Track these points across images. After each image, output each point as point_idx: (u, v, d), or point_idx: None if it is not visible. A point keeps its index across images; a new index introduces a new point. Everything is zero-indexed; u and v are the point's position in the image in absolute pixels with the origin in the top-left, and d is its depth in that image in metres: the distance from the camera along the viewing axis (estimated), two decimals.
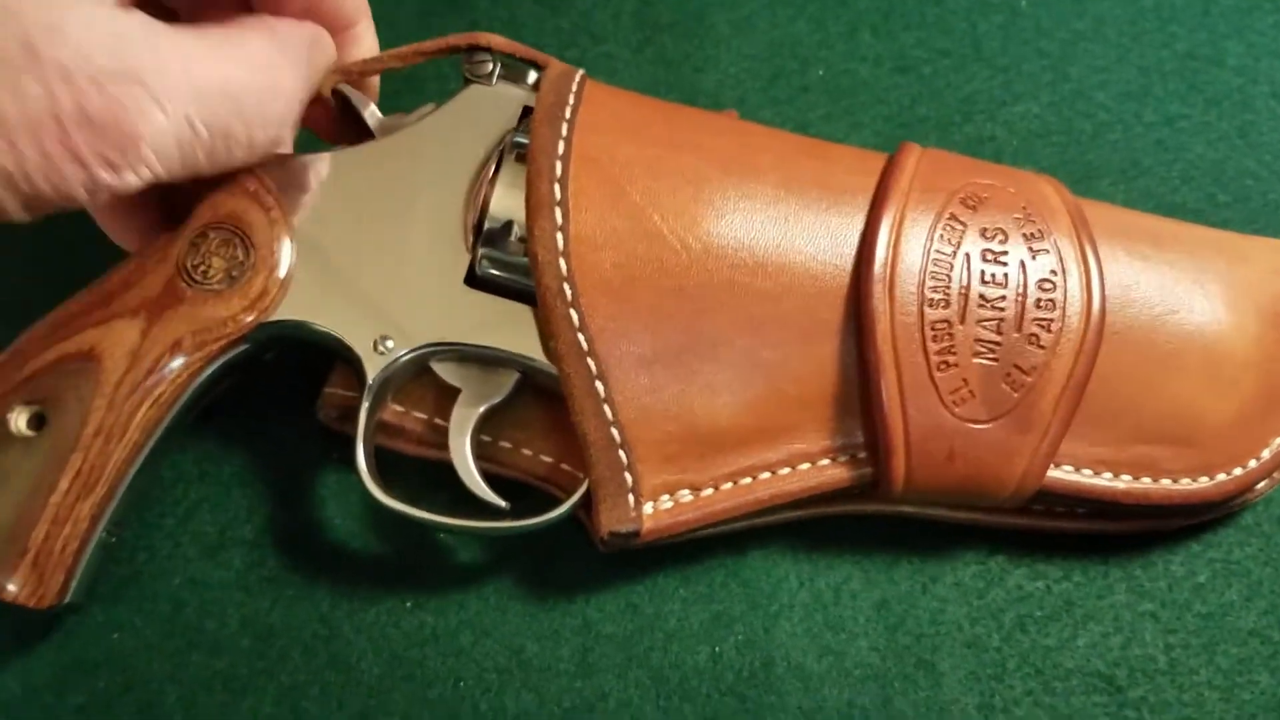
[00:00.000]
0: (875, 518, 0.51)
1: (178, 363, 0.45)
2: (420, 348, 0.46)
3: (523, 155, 0.46)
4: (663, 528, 0.45)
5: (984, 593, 0.51)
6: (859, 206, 0.47)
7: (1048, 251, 0.47)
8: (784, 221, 0.47)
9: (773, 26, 0.63)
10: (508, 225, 0.46)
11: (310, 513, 0.52)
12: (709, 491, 0.46)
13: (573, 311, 0.45)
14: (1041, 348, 0.46)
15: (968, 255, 0.46)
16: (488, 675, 0.50)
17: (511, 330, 0.46)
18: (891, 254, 0.46)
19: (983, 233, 0.47)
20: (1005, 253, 0.46)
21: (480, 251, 0.46)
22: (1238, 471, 0.48)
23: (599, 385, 0.45)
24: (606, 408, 0.45)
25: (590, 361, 0.45)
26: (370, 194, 0.47)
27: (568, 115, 0.47)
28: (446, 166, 0.47)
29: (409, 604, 0.51)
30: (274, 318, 0.46)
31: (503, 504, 0.47)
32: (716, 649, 0.51)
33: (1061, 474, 0.47)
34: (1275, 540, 0.52)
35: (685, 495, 0.46)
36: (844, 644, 0.51)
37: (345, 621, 0.51)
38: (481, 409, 0.48)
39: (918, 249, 0.46)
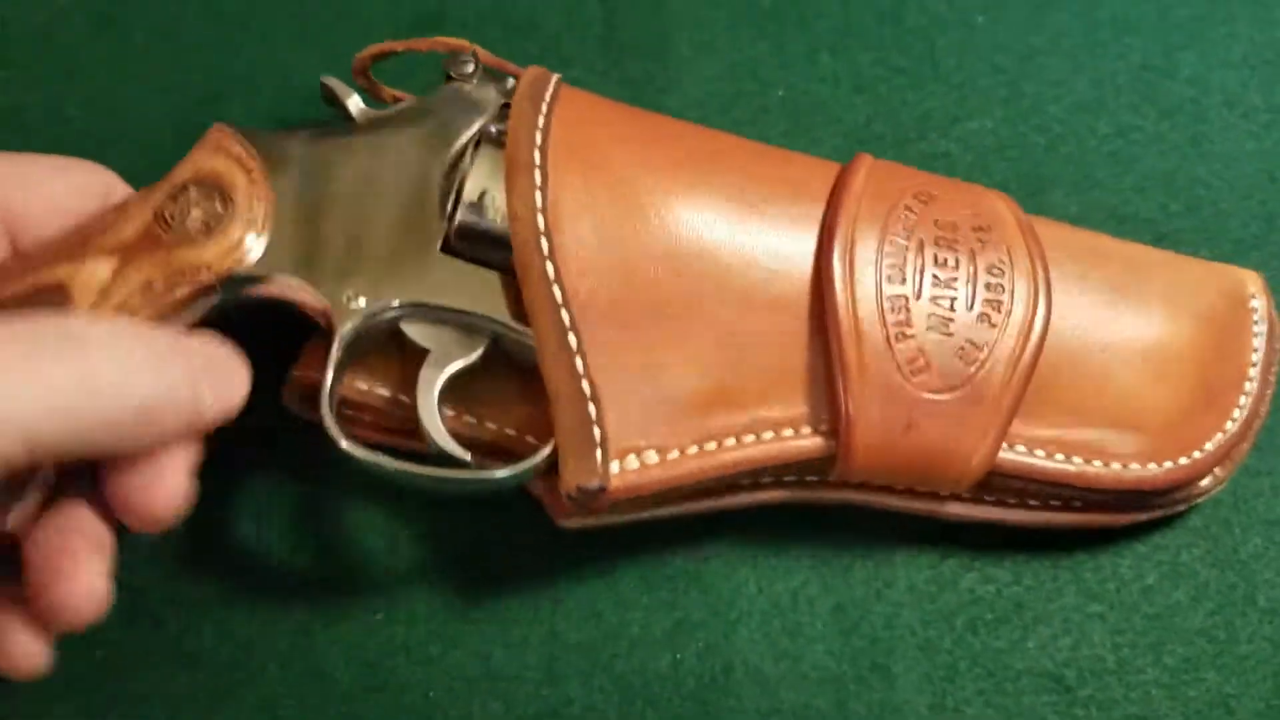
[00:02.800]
0: (833, 520, 0.53)
1: (140, 299, 0.46)
2: (391, 306, 0.48)
3: (501, 141, 0.49)
4: (629, 486, 0.46)
5: (936, 596, 0.53)
6: (819, 198, 0.50)
7: (995, 244, 0.49)
8: (753, 207, 0.49)
9: (734, 49, 0.65)
10: (482, 196, 0.48)
11: (284, 528, 0.54)
12: (675, 454, 0.47)
13: (548, 264, 0.46)
14: (992, 326, 0.48)
15: (921, 240, 0.49)
16: (456, 684, 0.52)
17: (483, 294, 0.48)
18: (849, 236, 0.48)
19: (935, 222, 0.49)
20: (956, 240, 0.49)
21: (456, 221, 0.48)
22: (1184, 461, 0.50)
23: (571, 338, 0.46)
24: (578, 360, 0.46)
25: (564, 314, 0.46)
26: (350, 170, 0.49)
27: (547, 98, 0.49)
28: (425, 148, 0.50)
29: (380, 616, 0.53)
30: (246, 268, 0.47)
31: (467, 456, 0.49)
32: (678, 655, 0.52)
33: (1014, 455, 0.49)
34: (1222, 542, 0.54)
35: (652, 456, 0.47)
36: (801, 648, 0.52)
37: (320, 634, 0.53)
38: (449, 369, 0.49)
39: (873, 232, 0.48)
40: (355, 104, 0.51)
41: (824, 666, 0.52)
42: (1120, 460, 0.49)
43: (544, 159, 0.48)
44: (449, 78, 0.52)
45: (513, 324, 0.48)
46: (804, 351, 0.48)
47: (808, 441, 0.48)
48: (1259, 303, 0.52)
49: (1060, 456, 0.49)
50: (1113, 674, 0.51)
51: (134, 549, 0.52)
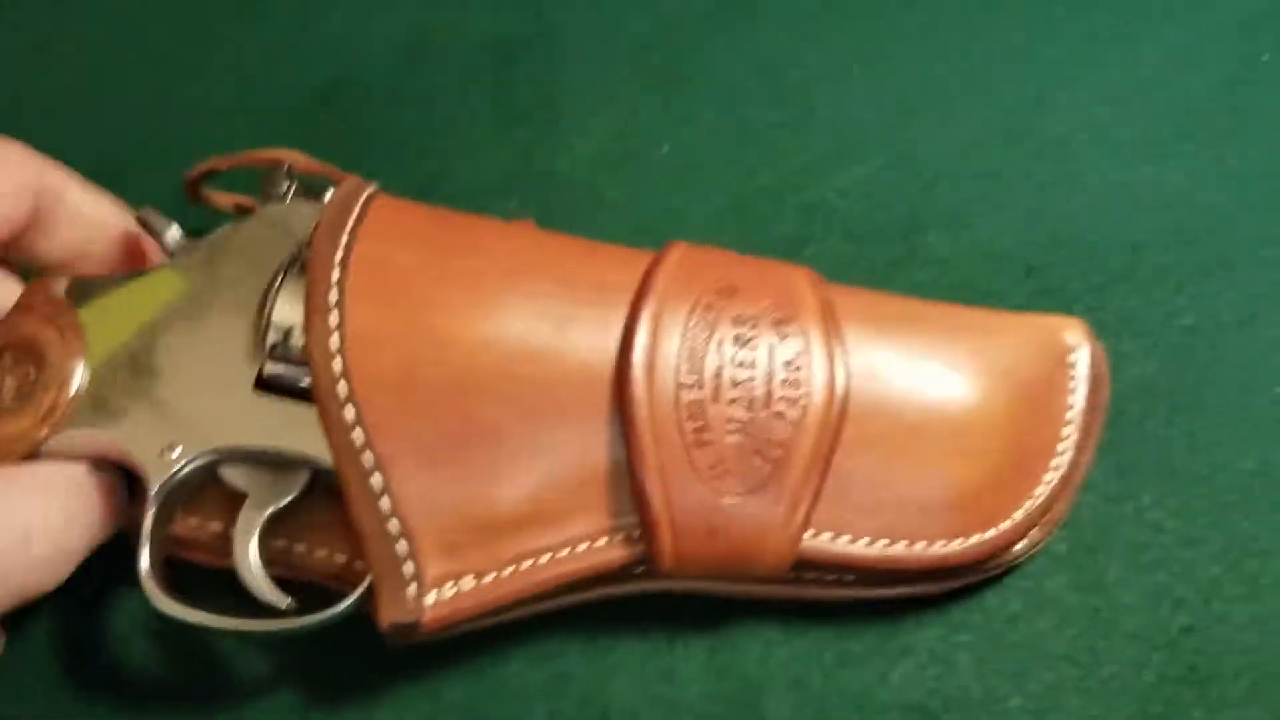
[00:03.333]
0: None
1: None
2: (206, 453, 0.48)
3: (304, 269, 0.49)
4: (444, 616, 0.47)
5: (806, 632, 0.54)
6: (625, 300, 0.50)
7: (794, 335, 0.49)
8: (557, 316, 0.49)
9: (622, 107, 0.67)
10: (289, 331, 0.48)
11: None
12: (490, 578, 0.47)
13: (348, 407, 0.47)
14: (790, 422, 0.48)
15: (720, 341, 0.49)
16: None
17: (298, 431, 0.48)
18: (650, 340, 0.48)
19: (735, 319, 0.49)
20: (754, 338, 0.49)
21: (265, 358, 0.48)
22: (991, 533, 0.50)
23: (376, 478, 0.46)
24: (385, 500, 0.46)
25: (366, 455, 0.47)
26: (165, 310, 0.49)
27: (349, 225, 0.49)
28: (239, 281, 0.49)
29: (270, 679, 0.54)
30: (61, 431, 0.47)
31: (286, 603, 0.49)
32: (556, 705, 0.54)
33: (820, 543, 0.49)
34: (1086, 568, 0.55)
35: (468, 582, 0.47)
36: (677, 692, 0.53)
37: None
38: (268, 511, 0.49)
39: (674, 335, 0.49)
40: (172, 236, 0.51)
41: (699, 710, 0.53)
42: (926, 539, 0.50)
43: (341, 296, 0.48)
44: (264, 200, 0.52)
45: (328, 461, 0.48)
46: (612, 464, 0.48)
47: (618, 551, 0.48)
48: (1078, 355, 0.52)
49: (864, 541, 0.49)
50: (978, 704, 0.53)
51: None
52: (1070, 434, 0.52)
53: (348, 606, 0.48)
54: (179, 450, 0.47)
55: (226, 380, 0.48)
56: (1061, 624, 0.54)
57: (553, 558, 0.48)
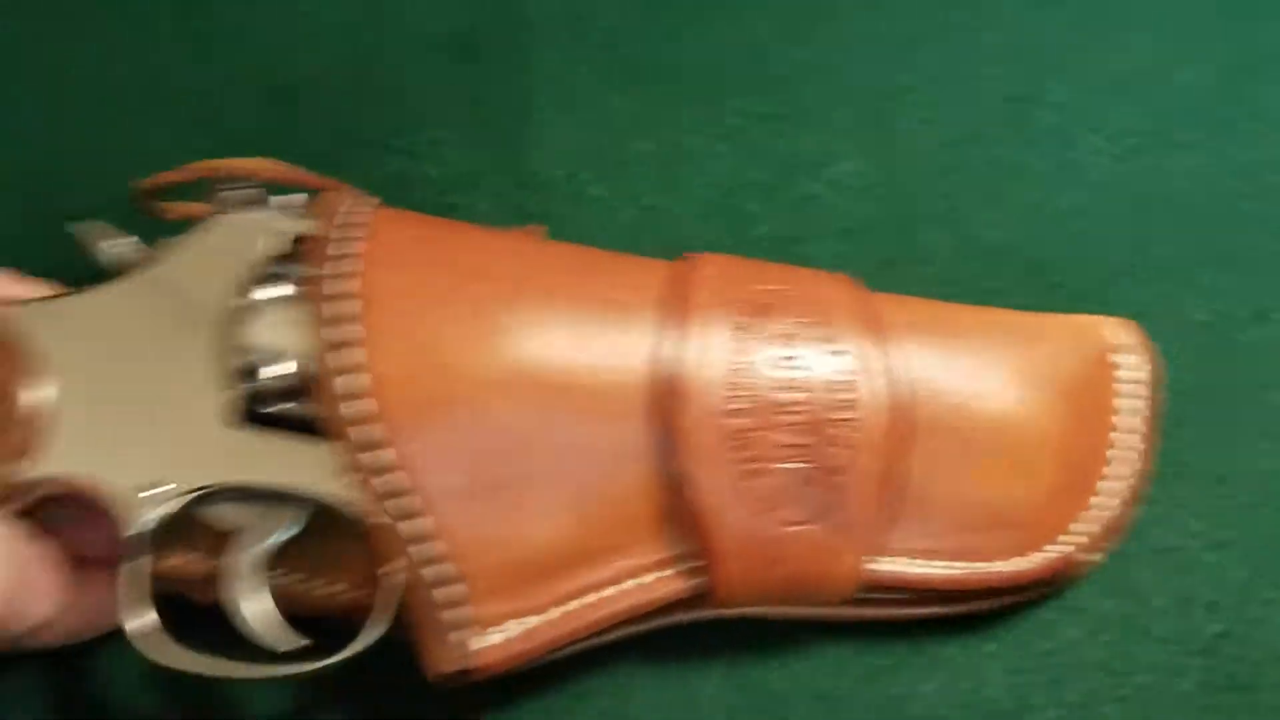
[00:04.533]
0: None
1: None
2: (190, 491, 0.44)
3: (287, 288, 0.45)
4: (494, 663, 0.44)
5: (829, 643, 0.52)
6: (649, 320, 0.47)
7: (840, 353, 0.47)
8: (581, 341, 0.46)
9: (597, 102, 0.64)
10: (277, 357, 0.44)
11: None
12: (538, 620, 0.45)
13: (386, 451, 0.43)
14: (847, 448, 0.46)
15: (762, 363, 0.46)
16: None
17: (293, 464, 0.44)
18: (689, 369, 0.46)
19: (773, 339, 0.47)
20: (796, 356, 0.47)
21: (251, 387, 0.44)
22: (1056, 547, 0.49)
23: (421, 523, 0.43)
24: (432, 545, 0.44)
25: (408, 499, 0.43)
26: (119, 336, 0.45)
27: (356, 252, 0.45)
28: (196, 302, 0.45)
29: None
30: (23, 475, 0.43)
31: (281, 648, 0.45)
32: None
33: (888, 566, 0.47)
34: (1115, 574, 0.53)
35: (514, 627, 0.45)
36: (697, 706, 0.51)
37: None
38: (261, 548, 0.45)
39: (714, 362, 0.46)
40: (106, 250, 0.47)
41: None
42: (995, 558, 0.48)
43: (359, 332, 0.44)
44: (215, 210, 0.47)
45: (334, 494, 0.44)
46: (659, 495, 0.46)
47: (674, 585, 0.46)
48: (1124, 357, 0.51)
49: (936, 564, 0.48)
50: (1012, 715, 0.50)
51: None
52: (1133, 441, 0.50)
53: (358, 650, 0.44)
54: (154, 489, 0.43)
55: (200, 410, 0.44)
56: (1094, 631, 0.52)
57: (603, 596, 0.46)
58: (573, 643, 0.46)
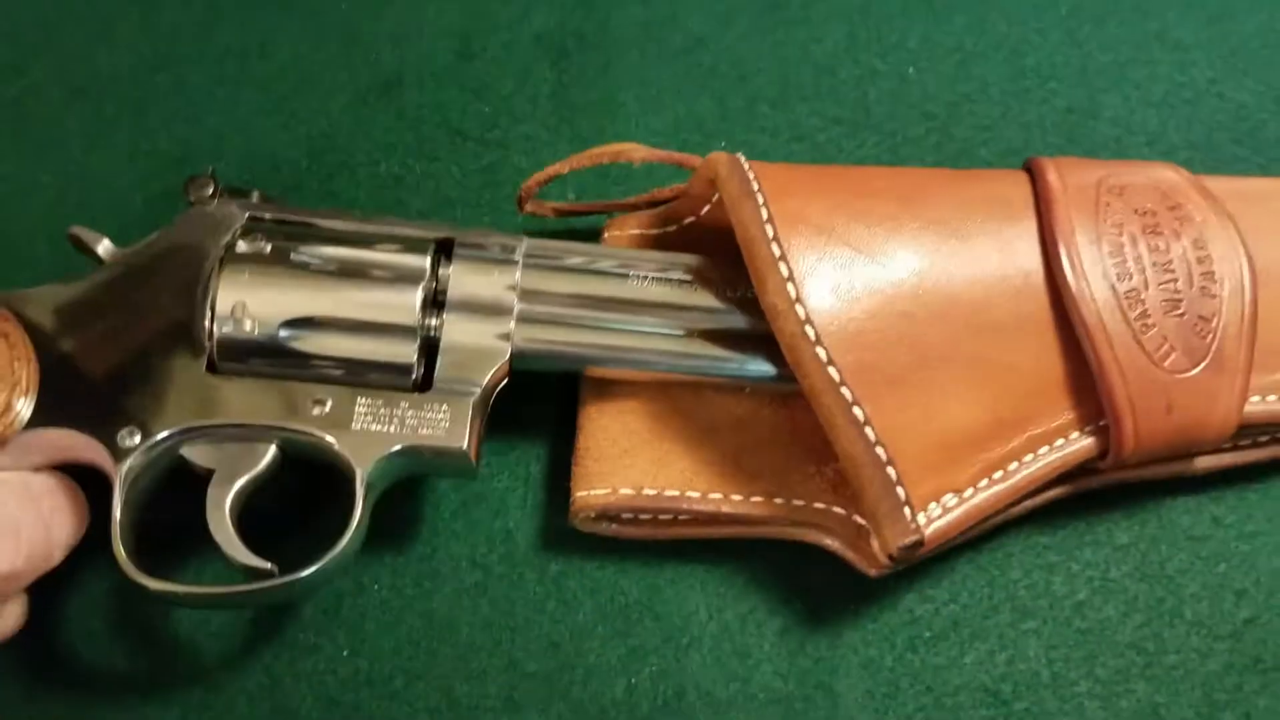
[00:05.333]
0: (777, 550, 0.56)
1: None
2: (167, 435, 0.50)
3: (247, 254, 0.52)
4: (938, 534, 0.49)
5: (877, 616, 0.55)
6: (1025, 213, 0.53)
7: (1190, 218, 0.53)
8: (971, 237, 0.52)
9: (678, 103, 0.68)
10: (234, 310, 0.51)
11: None
12: (969, 492, 0.50)
13: (819, 350, 0.49)
14: (1213, 296, 0.52)
15: (1132, 233, 0.52)
16: (419, 716, 0.54)
17: (259, 404, 0.51)
18: (1071, 241, 0.52)
19: (1136, 212, 0.53)
20: (1159, 225, 0.53)
21: (215, 338, 0.51)
22: None
23: (857, 411, 0.49)
24: (869, 430, 0.48)
25: (844, 390, 0.49)
26: (107, 312, 0.52)
27: (757, 188, 0.51)
28: (175, 276, 0.52)
29: (345, 652, 0.55)
30: (16, 434, 0.49)
31: (269, 565, 0.50)
32: (632, 680, 0.54)
33: (1257, 407, 0.53)
34: (1150, 558, 0.56)
35: (950, 499, 0.49)
36: (750, 670, 0.54)
37: (286, 671, 0.55)
38: (237, 484, 0.51)
39: (1091, 235, 0.52)
40: (104, 247, 0.53)
41: (772, 687, 0.54)
42: None
43: (782, 249, 0.50)
44: (189, 203, 0.54)
45: (293, 426, 0.50)
46: (1058, 362, 0.52)
47: (1082, 444, 0.51)
48: None
49: None
50: (1047, 687, 0.54)
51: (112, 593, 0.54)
52: None
53: (342, 553, 0.50)
54: (137, 436, 0.49)
55: (179, 365, 0.51)
56: (1128, 611, 0.55)
57: (1020, 464, 0.51)
58: (996, 513, 0.51)
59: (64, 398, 0.50)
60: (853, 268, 0.50)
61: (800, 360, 0.49)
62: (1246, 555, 0.56)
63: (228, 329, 0.50)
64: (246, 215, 0.53)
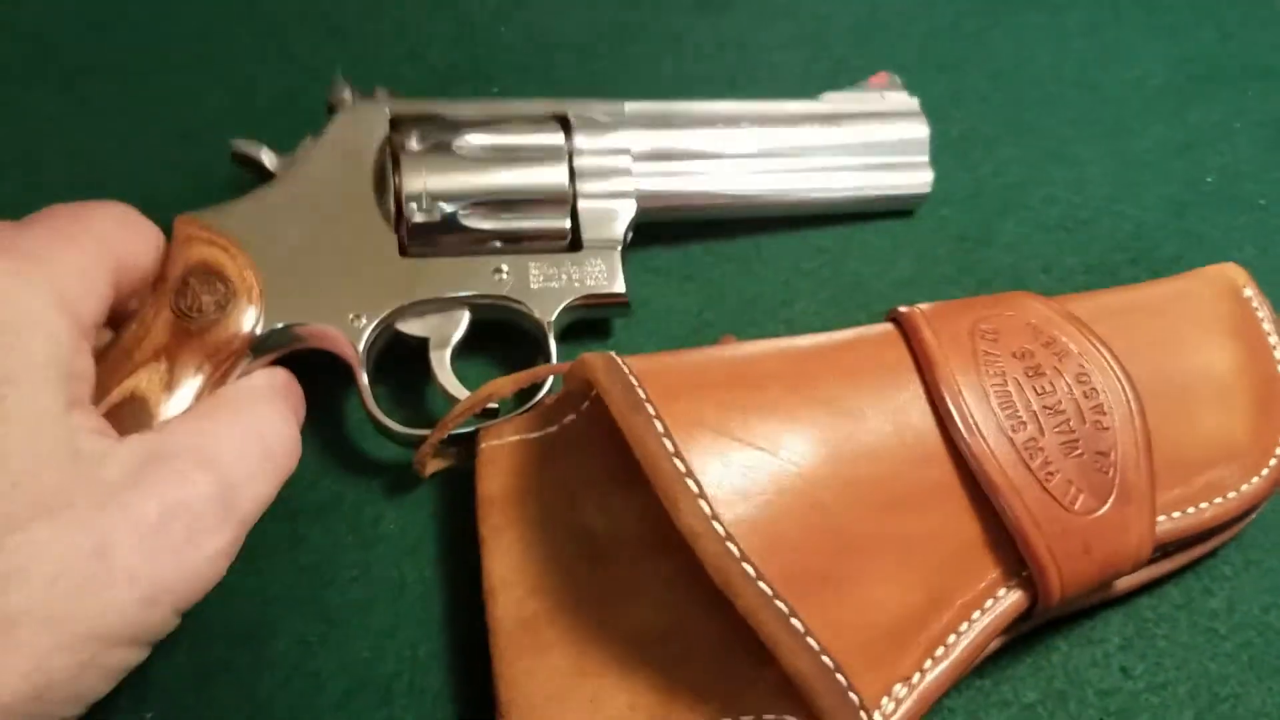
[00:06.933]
0: None
1: (199, 381, 0.51)
2: (387, 314, 0.56)
3: (413, 153, 0.58)
4: None
5: None
6: (908, 375, 0.52)
7: (1065, 352, 0.53)
8: (863, 413, 0.50)
9: None
10: (418, 198, 0.57)
11: None
12: (916, 677, 0.48)
13: (746, 566, 0.45)
14: (1106, 429, 0.51)
15: (1016, 380, 0.52)
16: None
17: (451, 279, 0.57)
18: (962, 405, 0.51)
19: (1014, 355, 0.52)
20: (1039, 366, 0.52)
21: (406, 226, 0.57)
22: (1273, 462, 0.55)
23: (796, 623, 0.46)
24: (810, 640, 0.46)
25: (780, 604, 0.45)
26: (297, 214, 0.56)
27: (644, 396, 0.49)
28: (352, 175, 0.58)
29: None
30: (263, 329, 0.53)
31: (495, 406, 0.55)
32: None
33: (1165, 525, 0.52)
34: (1058, 716, 0.54)
35: (900, 690, 0.47)
36: None
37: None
38: (451, 345, 0.57)
39: (978, 392, 0.51)
40: (269, 157, 0.58)
41: None
42: (1234, 488, 0.54)
43: (687, 466, 0.47)
44: (331, 108, 0.59)
45: (487, 293, 0.57)
46: (973, 522, 0.50)
47: (1011, 599, 0.50)
48: (1250, 290, 0.58)
49: (1196, 508, 0.53)
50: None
51: None
52: None
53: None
54: (365, 318, 0.55)
55: (374, 253, 0.57)
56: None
57: (958, 635, 0.49)
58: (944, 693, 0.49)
59: (291, 296, 0.54)
60: (759, 469, 0.48)
61: (729, 581, 0.45)
62: (1157, 709, 0.54)
63: (417, 218, 0.57)
64: (388, 113, 0.59)
